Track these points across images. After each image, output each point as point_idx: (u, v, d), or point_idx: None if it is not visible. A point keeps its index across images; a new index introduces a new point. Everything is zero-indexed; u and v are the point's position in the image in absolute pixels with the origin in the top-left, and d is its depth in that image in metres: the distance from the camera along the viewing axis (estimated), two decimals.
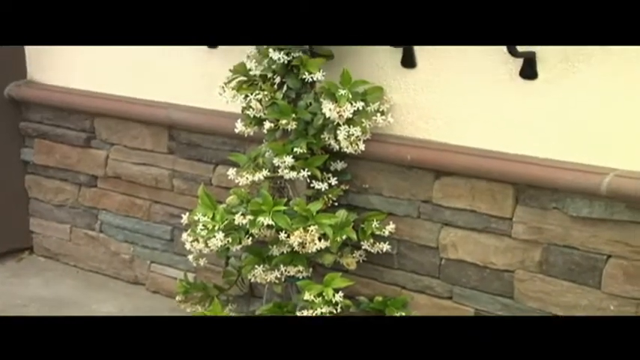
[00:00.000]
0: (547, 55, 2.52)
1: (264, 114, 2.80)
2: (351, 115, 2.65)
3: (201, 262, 2.93)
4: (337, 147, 2.75)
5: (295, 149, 2.76)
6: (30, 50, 3.76)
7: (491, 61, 2.61)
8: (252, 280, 2.91)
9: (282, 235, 2.70)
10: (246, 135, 2.89)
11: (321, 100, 2.71)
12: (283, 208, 2.71)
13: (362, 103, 2.68)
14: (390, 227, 2.82)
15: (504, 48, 2.51)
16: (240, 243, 2.76)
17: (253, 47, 2.86)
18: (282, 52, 2.74)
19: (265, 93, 2.80)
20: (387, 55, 2.81)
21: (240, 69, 2.87)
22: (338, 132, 2.68)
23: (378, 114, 2.74)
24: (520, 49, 2.51)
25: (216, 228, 2.71)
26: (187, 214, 2.92)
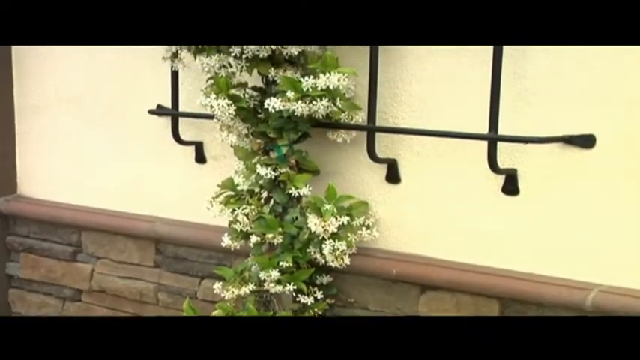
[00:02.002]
0: (529, 171, 2.58)
1: (251, 228, 2.82)
2: (336, 230, 2.68)
3: None
4: (323, 261, 2.76)
5: (281, 263, 2.77)
6: (21, 166, 3.80)
7: (474, 178, 2.67)
8: None
9: None
10: (232, 249, 2.90)
11: (307, 214, 2.74)
12: None
13: (347, 218, 2.71)
14: None
15: (487, 165, 2.57)
16: None
17: (241, 163, 2.91)
18: (269, 168, 2.79)
19: (252, 207, 2.83)
20: (372, 171, 2.86)
21: (228, 184, 2.91)
22: (323, 246, 2.70)
23: (364, 228, 2.77)
24: (501, 165, 2.57)
25: None
26: None
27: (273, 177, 2.80)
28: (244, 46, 2.63)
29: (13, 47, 3.70)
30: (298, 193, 2.76)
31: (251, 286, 2.82)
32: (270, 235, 2.78)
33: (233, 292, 2.81)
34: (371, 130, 2.76)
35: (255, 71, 2.77)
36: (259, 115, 2.83)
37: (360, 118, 2.77)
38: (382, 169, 2.84)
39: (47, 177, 3.73)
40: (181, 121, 3.22)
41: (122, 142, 3.45)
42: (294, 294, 2.78)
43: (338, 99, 2.64)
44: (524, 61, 2.53)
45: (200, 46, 2.76)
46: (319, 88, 2.58)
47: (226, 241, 2.89)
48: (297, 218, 2.82)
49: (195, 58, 2.80)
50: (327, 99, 2.60)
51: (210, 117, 2.83)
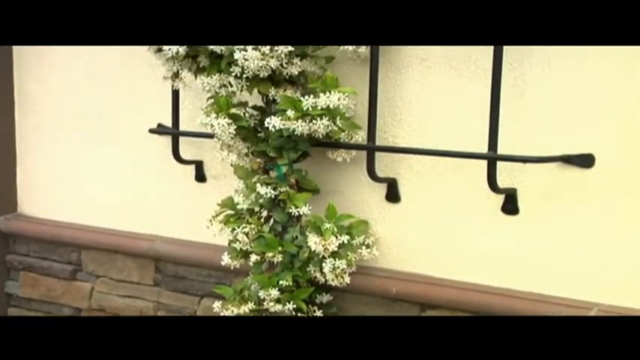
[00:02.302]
0: (528, 191, 2.59)
1: (251, 247, 2.82)
2: (336, 249, 2.68)
3: None
4: (323, 280, 2.76)
5: (281, 282, 2.77)
6: (21, 184, 3.81)
7: (473, 197, 2.68)
8: None
9: None
10: (232, 267, 2.90)
11: (307, 233, 2.75)
12: None
13: (347, 237, 2.71)
14: None
15: (486, 184, 2.57)
16: None
17: (241, 182, 2.91)
18: (269, 187, 2.80)
19: (252, 226, 2.83)
20: (372, 190, 2.87)
21: (228, 203, 2.92)
22: (323, 265, 2.70)
23: (364, 247, 2.77)
24: (501, 185, 2.58)
25: None
26: None
27: (273, 196, 2.81)
28: (245, 66, 2.64)
29: (15, 66, 3.72)
30: (298, 211, 2.77)
31: (251, 305, 2.82)
32: (270, 254, 2.78)
33: (232, 310, 2.81)
34: (371, 149, 2.77)
35: (255, 90, 2.78)
36: (259, 134, 2.84)
37: (360, 137, 2.78)
38: (382, 188, 2.85)
39: (47, 195, 3.74)
40: (182, 139, 3.23)
41: (122, 160, 3.46)
42: (293, 313, 2.78)
43: (338, 118, 2.65)
44: (523, 81, 2.54)
45: (201, 66, 2.78)
46: (319, 108, 2.59)
47: (226, 259, 2.89)
48: (297, 237, 2.82)
49: (195, 77, 2.82)
50: (327, 118, 2.61)
51: (210, 136, 2.84)
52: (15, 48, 3.70)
